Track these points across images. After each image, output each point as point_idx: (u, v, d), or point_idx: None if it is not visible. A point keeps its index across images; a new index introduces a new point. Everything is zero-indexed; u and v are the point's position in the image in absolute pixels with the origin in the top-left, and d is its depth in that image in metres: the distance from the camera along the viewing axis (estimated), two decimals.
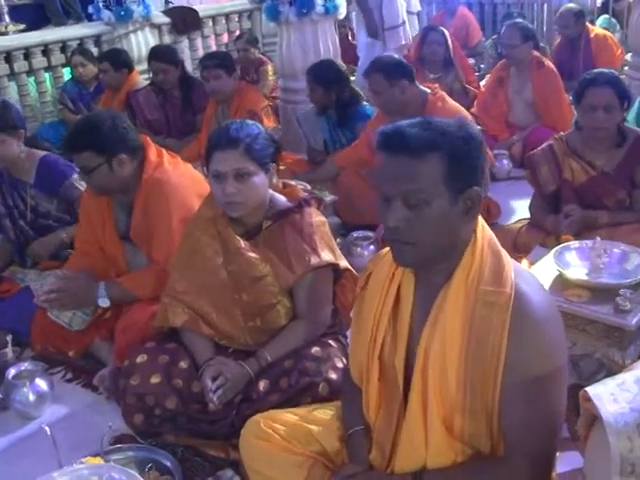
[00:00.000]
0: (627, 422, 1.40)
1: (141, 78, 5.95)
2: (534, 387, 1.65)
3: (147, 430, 2.54)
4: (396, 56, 4.28)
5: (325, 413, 2.11)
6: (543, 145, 3.55)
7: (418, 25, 7.71)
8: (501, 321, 1.64)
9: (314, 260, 2.47)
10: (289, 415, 2.10)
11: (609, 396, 1.45)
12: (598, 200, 3.37)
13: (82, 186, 3.42)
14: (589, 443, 1.52)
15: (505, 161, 5.21)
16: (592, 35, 6.74)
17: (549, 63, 5.59)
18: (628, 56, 6.29)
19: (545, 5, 9.04)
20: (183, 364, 2.53)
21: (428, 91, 4.10)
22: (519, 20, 5.76)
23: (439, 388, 1.70)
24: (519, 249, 3.36)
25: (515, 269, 1.72)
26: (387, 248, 1.85)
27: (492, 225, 4.11)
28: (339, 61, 5.57)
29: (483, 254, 1.70)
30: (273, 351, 2.48)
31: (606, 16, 8.31)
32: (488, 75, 6.21)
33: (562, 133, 3.57)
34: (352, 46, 7.44)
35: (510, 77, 5.56)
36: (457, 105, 4.20)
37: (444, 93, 4.21)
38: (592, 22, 7.83)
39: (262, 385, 2.43)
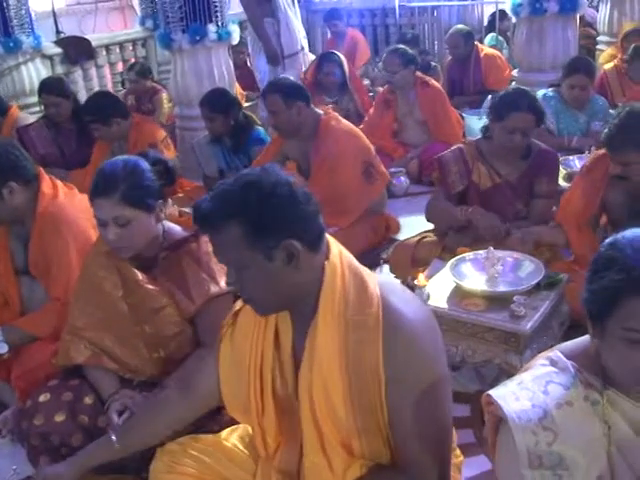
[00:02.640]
0: (530, 418, 1.47)
1: (25, 113, 5.81)
2: (418, 399, 1.68)
3: None
4: (293, 79, 4.35)
5: (234, 437, 2.12)
6: (453, 148, 3.68)
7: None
8: (374, 341, 1.67)
9: (214, 289, 2.46)
10: (194, 444, 2.08)
11: (511, 395, 1.52)
12: (499, 208, 3.50)
13: None
14: (498, 446, 1.58)
15: (402, 178, 5.34)
16: (482, 54, 7.01)
17: (434, 82, 5.80)
18: (515, 72, 6.57)
19: (435, 25, 9.35)
20: (88, 400, 2.47)
21: (321, 112, 4.18)
22: (399, 46, 5.91)
23: (329, 416, 1.73)
24: (417, 263, 3.43)
25: (382, 286, 1.75)
26: None
27: (391, 240, 4.27)
28: (234, 85, 5.61)
29: (345, 279, 1.72)
30: (178, 380, 2.45)
31: (494, 34, 8.64)
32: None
33: (470, 138, 3.72)
34: (251, 72, 7.44)
35: (397, 100, 5.73)
36: (350, 124, 4.30)
37: (337, 114, 4.30)
38: (480, 40, 8.14)
39: None
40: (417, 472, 1.73)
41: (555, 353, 1.59)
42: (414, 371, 1.68)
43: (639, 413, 1.47)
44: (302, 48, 6.73)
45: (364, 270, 1.79)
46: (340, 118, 4.25)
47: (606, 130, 3.01)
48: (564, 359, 1.55)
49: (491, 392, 1.56)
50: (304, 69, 6.65)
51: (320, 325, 1.71)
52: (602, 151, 3.21)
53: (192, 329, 2.51)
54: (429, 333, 1.75)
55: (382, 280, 1.81)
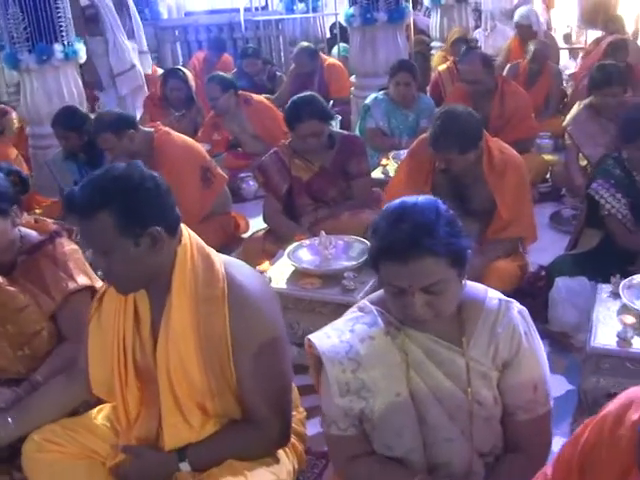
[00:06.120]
0: (338, 351, 1.78)
1: None
2: (260, 357, 1.97)
3: None
4: (116, 110, 4.47)
5: (101, 415, 2.29)
6: (269, 152, 4.01)
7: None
8: (222, 311, 1.95)
9: (71, 285, 2.62)
10: (65, 424, 2.23)
11: (324, 335, 1.83)
12: (324, 192, 3.89)
13: None
14: (321, 385, 1.87)
15: (251, 182, 5.61)
16: (325, 64, 7.37)
17: (257, 97, 6.03)
18: (352, 78, 6.96)
19: (280, 37, 9.69)
20: None
21: (152, 130, 4.36)
22: (216, 74, 6.09)
23: (185, 381, 1.98)
24: (268, 253, 3.69)
25: (226, 264, 2.03)
26: None
27: (241, 239, 4.53)
28: (84, 103, 5.71)
29: (194, 259, 1.99)
30: (45, 372, 2.57)
31: (344, 45, 8.93)
32: None
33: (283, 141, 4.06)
34: None
35: (225, 121, 5.92)
36: (181, 135, 4.51)
37: (166, 128, 4.49)
38: (323, 50, 8.49)
39: None
40: (263, 423, 2.02)
41: (363, 302, 1.93)
42: (256, 335, 1.97)
43: (429, 341, 1.80)
44: (134, 65, 6.85)
45: (211, 251, 2.06)
46: (170, 131, 4.44)
47: (430, 131, 3.31)
48: (369, 305, 1.88)
49: (309, 336, 1.86)
50: (140, 83, 6.82)
51: (174, 300, 1.97)
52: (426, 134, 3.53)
53: (54, 326, 2.67)
54: (268, 301, 2.04)
55: (227, 259, 2.09)
